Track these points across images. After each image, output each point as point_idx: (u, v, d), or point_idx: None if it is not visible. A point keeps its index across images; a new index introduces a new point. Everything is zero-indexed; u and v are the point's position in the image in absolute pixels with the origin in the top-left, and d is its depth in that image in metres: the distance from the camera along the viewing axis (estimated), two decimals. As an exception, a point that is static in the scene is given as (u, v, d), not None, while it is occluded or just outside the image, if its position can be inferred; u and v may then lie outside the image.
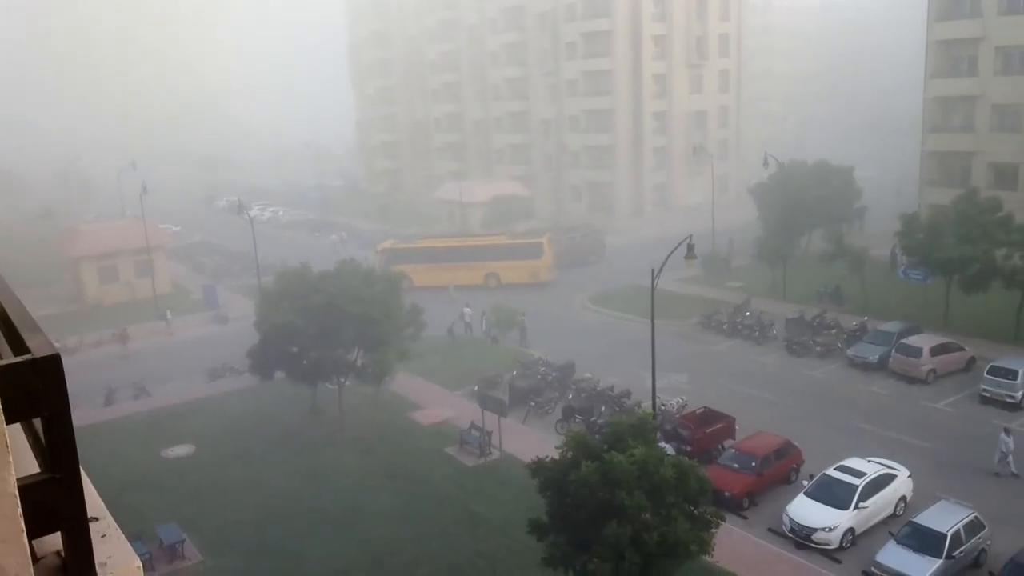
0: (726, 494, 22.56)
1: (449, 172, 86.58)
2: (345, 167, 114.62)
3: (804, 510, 21.54)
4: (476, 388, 31.81)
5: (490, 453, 26.89)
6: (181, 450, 29.15)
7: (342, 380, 29.60)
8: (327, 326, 28.11)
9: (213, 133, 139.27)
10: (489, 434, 27.01)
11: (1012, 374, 28.50)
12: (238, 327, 41.64)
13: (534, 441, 26.69)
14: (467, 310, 41.54)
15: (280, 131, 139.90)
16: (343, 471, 26.68)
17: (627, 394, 29.87)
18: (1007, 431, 24.28)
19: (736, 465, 23.88)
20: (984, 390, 29.03)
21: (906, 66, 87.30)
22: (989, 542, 20.04)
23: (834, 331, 36.31)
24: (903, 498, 22.48)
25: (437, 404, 32.12)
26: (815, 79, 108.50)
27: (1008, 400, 28.36)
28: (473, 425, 27.80)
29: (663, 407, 28.16)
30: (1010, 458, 23.82)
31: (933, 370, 31.26)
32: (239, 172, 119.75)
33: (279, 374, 30.10)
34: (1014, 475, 23.79)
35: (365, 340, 28.63)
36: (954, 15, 47.95)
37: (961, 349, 32.22)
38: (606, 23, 69.88)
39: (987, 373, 29.20)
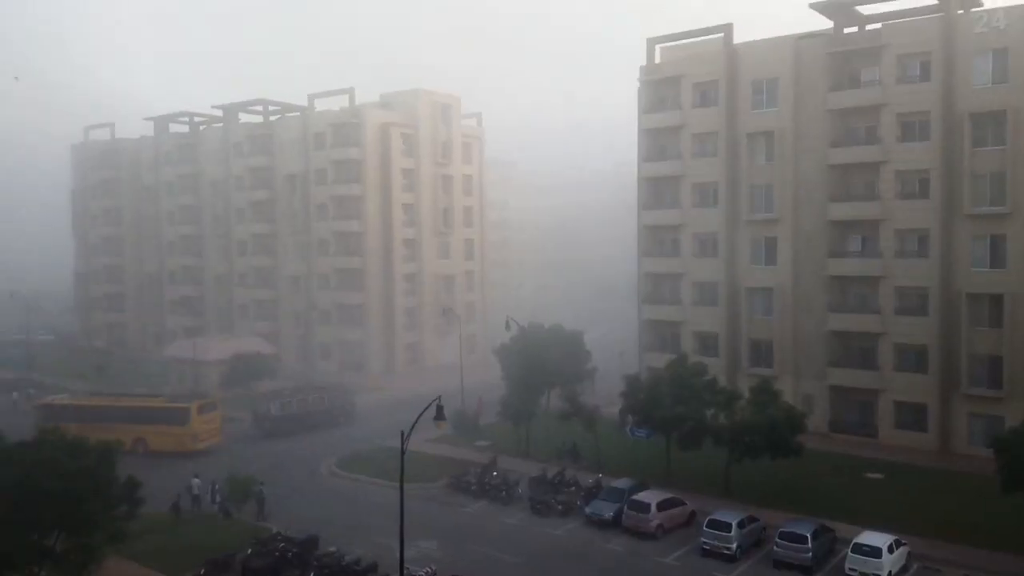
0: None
1: (183, 328, 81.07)
2: (57, 321, 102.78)
3: None
4: (202, 572, 28.38)
5: (217, 650, 23.68)
6: None
7: (37, 570, 24.90)
8: (19, 506, 23.87)
9: None
10: (216, 627, 23.91)
11: (727, 527, 31.20)
12: None
13: (269, 631, 24.02)
14: (196, 480, 37.68)
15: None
16: None
17: (374, 567, 28.38)
18: None
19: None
20: (704, 543, 31.39)
21: (622, 242, 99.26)
22: None
23: (573, 488, 37.82)
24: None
25: (155, 595, 28.05)
26: (547, 250, 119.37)
27: (725, 552, 30.83)
28: (198, 617, 24.50)
29: (411, 580, 27.01)
30: None
31: (661, 525, 33.42)
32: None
33: (-50, 570, 24.67)
34: None
35: (68, 522, 24.61)
36: (658, 206, 55.81)
37: (683, 504, 34.93)
38: (357, 189, 72.14)
39: (706, 527, 31.71)
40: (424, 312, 75.84)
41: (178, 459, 44.32)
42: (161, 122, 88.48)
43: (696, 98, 53.55)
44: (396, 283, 73.86)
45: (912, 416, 45.87)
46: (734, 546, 30.78)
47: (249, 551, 30.03)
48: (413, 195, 75.07)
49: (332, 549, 30.25)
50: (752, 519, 32.41)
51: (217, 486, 37.27)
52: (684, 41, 55.19)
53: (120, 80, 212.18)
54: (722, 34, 52.65)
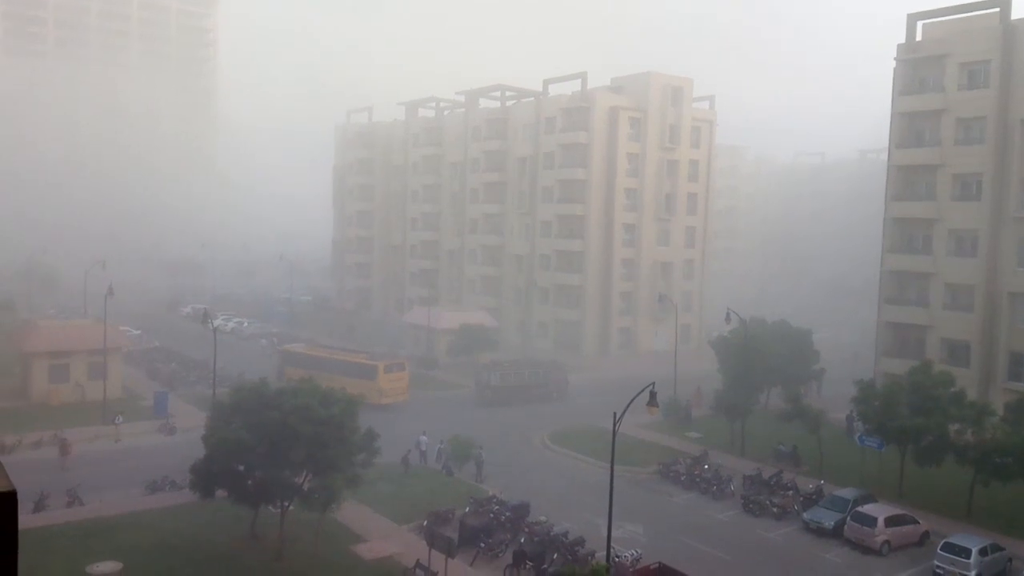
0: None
1: (420, 297, 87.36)
2: (316, 284, 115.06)
3: None
4: (425, 523, 30.79)
5: (434, 595, 25.68)
6: (107, 567, 27.27)
7: (286, 504, 28.50)
8: (277, 445, 27.33)
9: (186, 236, 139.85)
10: (435, 575, 25.91)
11: (966, 552, 28.31)
12: (185, 439, 40.34)
13: (481, 586, 25.63)
14: (423, 438, 40.81)
15: (253, 241, 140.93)
16: (277, 604, 25.21)
17: (581, 542, 29.08)
18: None
19: (688, 628, 23.06)
20: (938, 567, 28.72)
21: (861, 237, 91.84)
22: None
23: (791, 492, 36.13)
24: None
25: (383, 538, 30.88)
26: (775, 241, 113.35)
27: (962, 578, 28.06)
28: (419, 564, 26.68)
29: (617, 559, 27.41)
30: None
31: (887, 541, 31.03)
32: (208, 279, 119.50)
33: (221, 492, 28.91)
34: None
35: (315, 463, 27.81)
36: (909, 196, 51.07)
37: (915, 522, 32.13)
38: (582, 173, 73.18)
39: (941, 550, 28.98)
40: (640, 298, 75.55)
41: (410, 417, 48.12)
42: (412, 107, 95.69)
43: (963, 79, 48.18)
44: (614, 267, 74.23)
45: None
46: (973, 573, 27.88)
47: (467, 509, 32.10)
48: (637, 180, 74.74)
49: (542, 518, 31.48)
50: (997, 547, 29.12)
51: (442, 445, 40.10)
52: (951, 17, 49.79)
53: (377, 68, 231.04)
54: (998, 8, 46.81)
